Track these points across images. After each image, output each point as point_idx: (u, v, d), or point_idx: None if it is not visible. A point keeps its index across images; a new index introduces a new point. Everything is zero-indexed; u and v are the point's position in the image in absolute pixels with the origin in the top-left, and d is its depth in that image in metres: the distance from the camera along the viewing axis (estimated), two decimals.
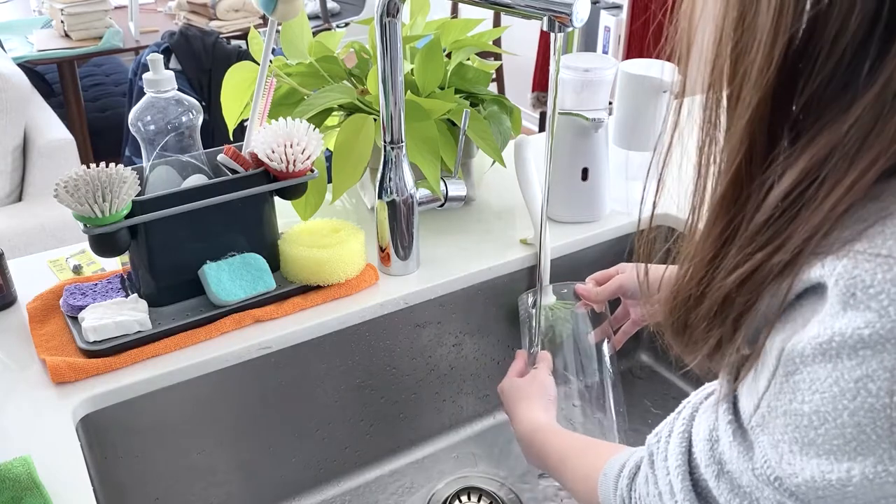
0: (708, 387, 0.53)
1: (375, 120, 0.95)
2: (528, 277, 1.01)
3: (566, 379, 0.92)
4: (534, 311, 0.94)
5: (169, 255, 0.84)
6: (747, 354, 0.44)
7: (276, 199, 0.90)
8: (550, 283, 0.97)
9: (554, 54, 0.71)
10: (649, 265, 0.52)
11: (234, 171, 0.87)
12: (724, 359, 0.45)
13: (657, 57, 1.03)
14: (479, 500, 0.96)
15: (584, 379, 0.92)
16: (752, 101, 0.41)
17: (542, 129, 3.31)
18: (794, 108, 0.40)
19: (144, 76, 0.85)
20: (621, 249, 1.08)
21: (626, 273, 0.92)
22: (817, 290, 0.39)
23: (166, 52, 2.54)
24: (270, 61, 0.93)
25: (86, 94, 2.96)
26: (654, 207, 0.50)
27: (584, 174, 1.02)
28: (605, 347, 0.94)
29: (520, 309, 0.98)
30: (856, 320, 0.37)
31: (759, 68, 0.40)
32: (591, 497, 0.62)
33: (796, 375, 0.40)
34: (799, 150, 0.40)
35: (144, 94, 0.86)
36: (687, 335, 0.47)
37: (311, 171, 0.88)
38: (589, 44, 3.00)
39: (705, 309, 0.44)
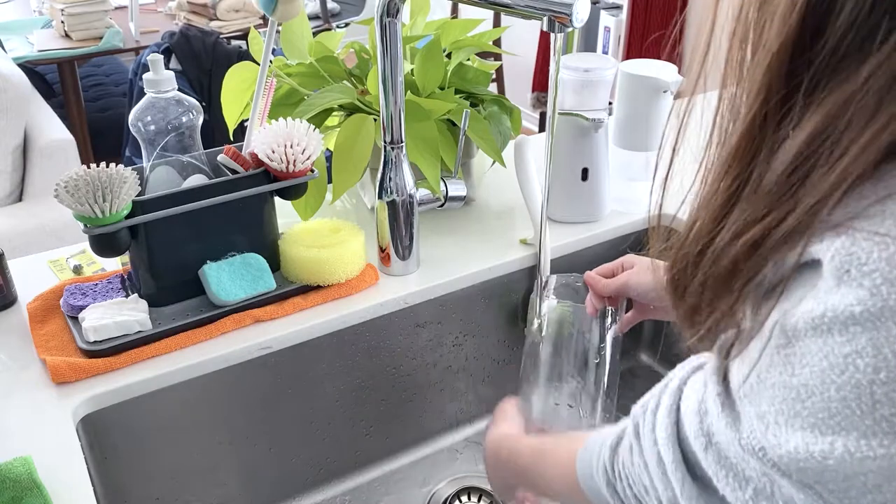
0: (695, 359, 0.53)
1: (375, 120, 0.95)
2: (528, 277, 1.01)
3: (565, 379, 0.91)
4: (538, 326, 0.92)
5: (169, 255, 0.84)
6: (742, 328, 0.43)
7: (277, 199, 0.90)
8: (541, 291, 0.96)
9: (554, 54, 0.71)
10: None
11: (234, 172, 0.87)
12: (723, 332, 0.44)
13: (658, 56, 1.03)
14: (479, 500, 0.96)
15: (583, 380, 0.91)
16: (771, 47, 0.40)
17: (542, 129, 3.31)
18: (814, 58, 0.39)
19: (145, 76, 0.85)
20: (621, 250, 1.08)
21: (633, 269, 0.89)
22: (813, 265, 0.39)
23: (166, 53, 2.54)
24: (270, 61, 0.93)
25: (86, 95, 2.96)
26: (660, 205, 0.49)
27: (584, 174, 1.02)
28: (609, 341, 0.92)
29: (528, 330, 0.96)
30: (848, 297, 0.37)
31: (783, 13, 0.39)
32: (571, 483, 0.61)
33: (788, 349, 0.40)
34: (815, 104, 0.39)
35: (145, 94, 0.86)
36: (689, 302, 0.46)
37: (312, 171, 0.88)
38: (589, 44, 3.00)
39: (712, 277, 0.43)
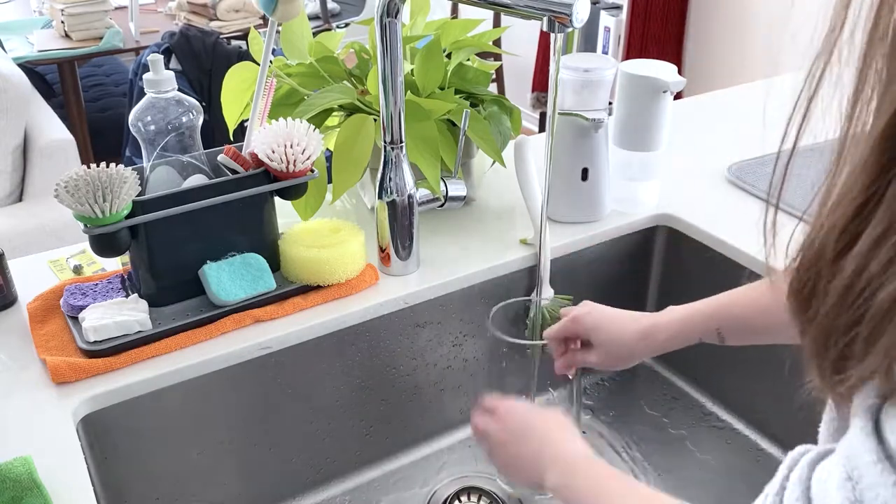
0: (801, 458, 0.42)
1: (375, 120, 0.95)
2: (528, 277, 1.01)
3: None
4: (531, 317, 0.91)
5: (169, 255, 0.84)
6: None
7: (277, 199, 0.90)
8: (541, 292, 0.96)
9: (554, 54, 0.71)
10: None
11: (234, 172, 0.87)
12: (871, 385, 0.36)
13: (658, 56, 1.03)
14: (478, 500, 0.96)
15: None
16: None
17: (542, 129, 3.31)
18: None
19: (145, 76, 0.85)
20: (621, 249, 1.08)
21: (601, 337, 0.82)
22: None
23: (166, 53, 2.55)
24: (270, 62, 0.93)
25: (86, 95, 2.96)
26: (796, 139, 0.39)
27: (584, 174, 1.02)
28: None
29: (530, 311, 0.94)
30: None
31: None
32: None
33: None
34: None
35: (145, 94, 0.86)
36: (822, 327, 0.37)
37: (312, 171, 0.88)
38: (589, 44, 3.00)
39: (869, 315, 0.34)
